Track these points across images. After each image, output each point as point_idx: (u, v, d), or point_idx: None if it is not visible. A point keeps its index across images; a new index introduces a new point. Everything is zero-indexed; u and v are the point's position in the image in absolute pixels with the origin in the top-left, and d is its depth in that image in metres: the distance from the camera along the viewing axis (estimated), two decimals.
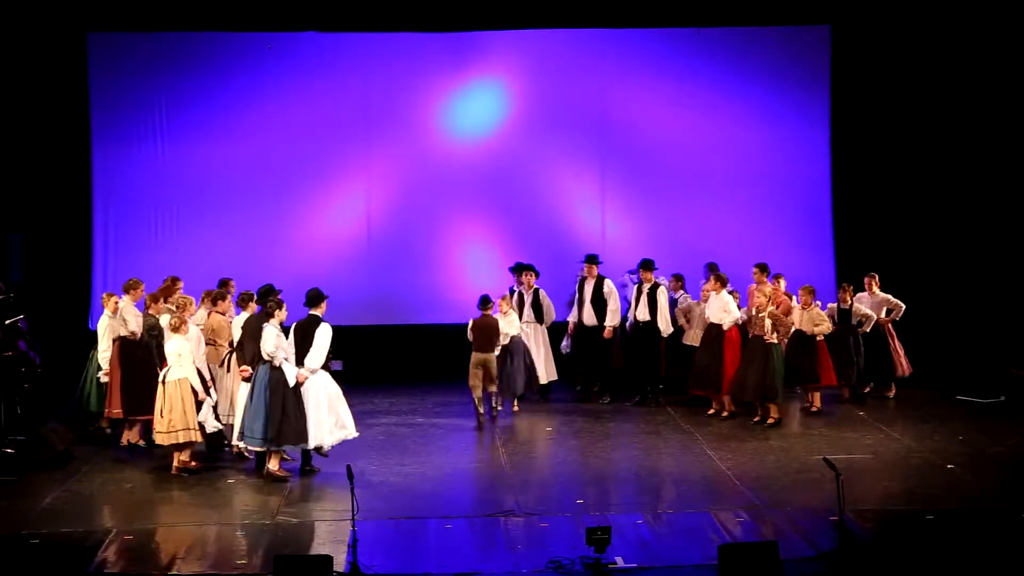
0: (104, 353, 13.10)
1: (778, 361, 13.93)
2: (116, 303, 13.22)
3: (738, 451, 12.90)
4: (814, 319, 14.52)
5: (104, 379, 13.09)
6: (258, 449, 12.05)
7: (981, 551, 9.65)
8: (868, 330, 14.82)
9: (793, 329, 14.40)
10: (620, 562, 9.50)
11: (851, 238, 17.52)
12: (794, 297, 15.22)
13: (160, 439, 12.14)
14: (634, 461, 12.68)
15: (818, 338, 14.56)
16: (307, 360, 11.96)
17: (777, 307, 14.39)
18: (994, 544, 9.80)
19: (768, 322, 13.94)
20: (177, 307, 12.65)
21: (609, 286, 15.57)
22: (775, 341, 13.94)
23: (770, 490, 11.41)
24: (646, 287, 15.24)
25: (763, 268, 15.04)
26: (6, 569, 9.60)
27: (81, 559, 9.74)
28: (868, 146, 17.59)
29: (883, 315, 15.17)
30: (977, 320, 17.16)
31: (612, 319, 15.38)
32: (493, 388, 14.36)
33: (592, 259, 15.63)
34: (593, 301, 15.55)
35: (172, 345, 12.13)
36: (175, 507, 11.26)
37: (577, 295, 15.76)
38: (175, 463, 12.13)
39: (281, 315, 11.99)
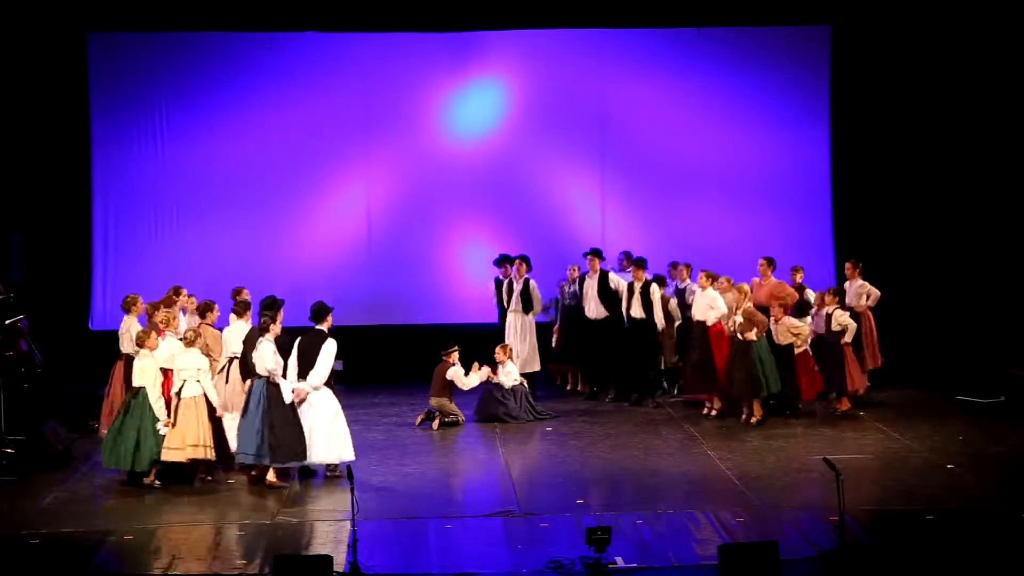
0: (159, 403, 11.75)
1: (759, 358, 13.93)
2: (156, 339, 12.00)
3: (738, 451, 12.90)
4: (791, 328, 14.32)
5: (164, 430, 11.69)
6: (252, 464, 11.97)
7: (981, 551, 9.64)
8: (849, 340, 14.30)
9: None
10: (620, 562, 9.49)
11: (851, 238, 17.51)
12: (808, 289, 15.24)
13: (170, 456, 11.76)
14: (634, 461, 12.67)
15: (797, 350, 14.33)
16: (311, 377, 11.85)
17: (785, 298, 14.48)
18: (994, 544, 9.80)
19: (741, 319, 13.98)
20: (161, 322, 12.41)
21: (615, 280, 15.59)
22: (753, 339, 13.95)
23: (770, 490, 11.40)
24: (638, 286, 15.25)
25: (770, 262, 15.07)
26: (6, 569, 9.60)
27: (81, 559, 9.74)
28: (868, 146, 17.59)
29: (862, 302, 14.96)
30: (977, 320, 17.16)
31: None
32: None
33: (596, 253, 15.66)
34: (600, 295, 15.57)
35: (190, 360, 11.84)
36: (175, 507, 11.24)
37: (578, 290, 15.80)
38: (202, 475, 11.87)
39: (276, 329, 11.84)
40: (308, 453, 11.82)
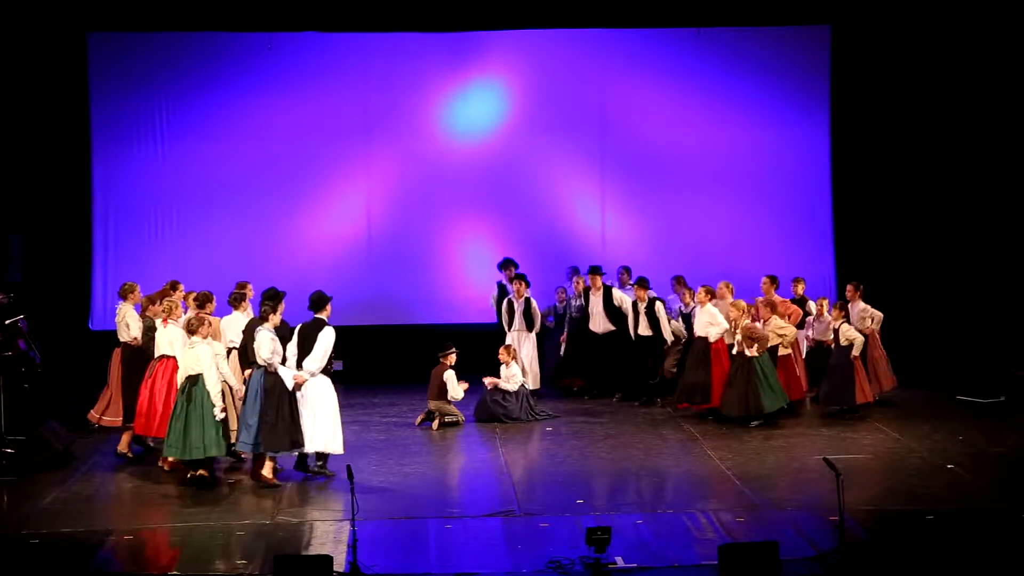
0: (216, 387, 11.65)
1: (761, 375, 13.90)
2: (210, 324, 11.91)
3: (738, 451, 12.90)
4: (776, 330, 14.32)
5: (220, 415, 11.64)
6: (251, 454, 11.98)
7: (981, 551, 9.65)
8: (857, 353, 14.24)
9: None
10: (620, 562, 9.49)
11: (851, 238, 17.54)
12: (810, 300, 15.27)
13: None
14: (634, 461, 12.66)
15: (781, 352, 14.40)
16: (306, 362, 11.82)
17: (788, 316, 14.53)
18: (994, 544, 9.80)
19: (739, 336, 13.95)
20: (163, 311, 12.45)
21: (619, 296, 15.60)
22: (755, 354, 13.92)
23: (770, 490, 11.40)
24: (642, 306, 15.29)
25: (773, 280, 15.03)
26: (6, 569, 9.60)
27: (81, 559, 9.74)
28: (868, 146, 17.60)
29: (866, 324, 14.90)
30: (977, 320, 17.16)
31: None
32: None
33: (596, 270, 15.69)
34: (606, 310, 15.61)
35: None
36: (175, 507, 11.24)
37: (584, 305, 15.84)
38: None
39: (275, 319, 11.88)
40: (307, 442, 11.83)
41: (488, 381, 14.72)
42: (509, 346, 15.12)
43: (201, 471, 11.73)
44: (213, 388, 11.63)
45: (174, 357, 12.24)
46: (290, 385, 11.76)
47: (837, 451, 12.39)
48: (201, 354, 11.69)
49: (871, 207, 17.57)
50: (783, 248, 16.66)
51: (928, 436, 13.38)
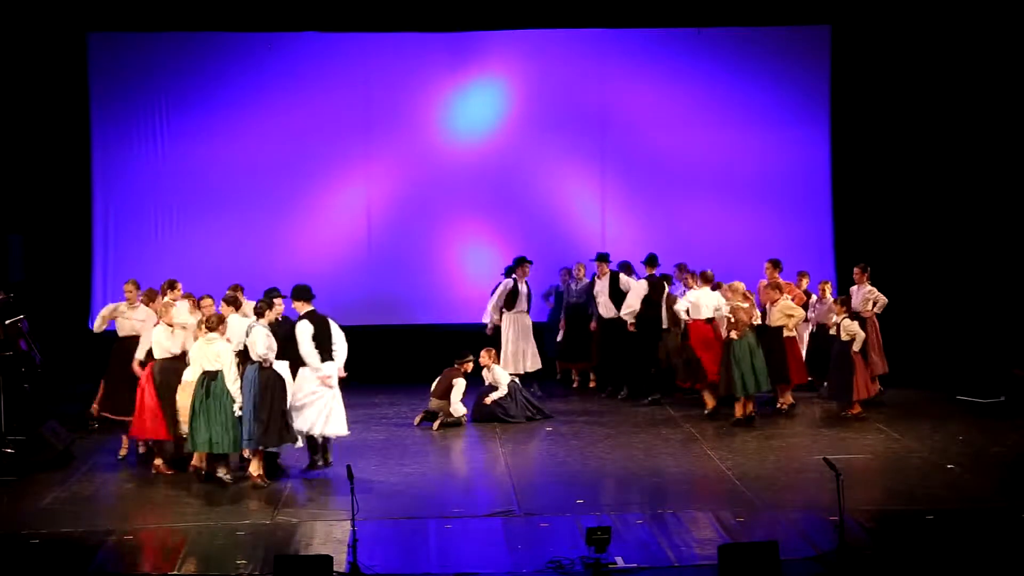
0: (236, 384, 11.70)
1: (736, 356, 13.93)
2: (226, 325, 12.00)
3: (738, 451, 12.90)
4: (784, 310, 14.46)
5: (239, 413, 11.68)
6: (247, 450, 11.99)
7: (981, 551, 9.65)
8: (858, 348, 14.19)
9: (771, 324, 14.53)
10: (620, 562, 9.50)
11: (851, 238, 17.52)
12: (813, 295, 15.33)
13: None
14: (634, 461, 12.67)
15: (787, 333, 14.49)
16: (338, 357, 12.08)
17: (792, 299, 14.67)
18: (994, 544, 9.80)
19: (725, 315, 14.07)
20: (159, 312, 12.48)
21: (625, 281, 15.62)
22: (733, 337, 13.96)
23: (770, 490, 11.41)
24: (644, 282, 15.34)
25: (775, 264, 15.11)
26: (6, 569, 9.60)
27: (81, 559, 9.75)
28: (868, 146, 17.60)
29: (868, 307, 15.00)
30: (977, 320, 17.16)
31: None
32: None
33: (603, 258, 15.82)
34: (612, 296, 15.63)
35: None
36: (175, 507, 11.24)
37: (588, 288, 15.96)
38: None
39: (271, 315, 11.93)
40: (295, 432, 11.93)
41: (488, 401, 14.64)
42: (491, 349, 15.05)
43: (220, 471, 11.80)
44: (233, 385, 11.70)
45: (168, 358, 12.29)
46: (288, 380, 11.81)
47: (837, 451, 12.39)
48: (221, 350, 11.75)
49: (871, 207, 17.56)
50: (783, 248, 16.57)
51: (928, 436, 13.38)
